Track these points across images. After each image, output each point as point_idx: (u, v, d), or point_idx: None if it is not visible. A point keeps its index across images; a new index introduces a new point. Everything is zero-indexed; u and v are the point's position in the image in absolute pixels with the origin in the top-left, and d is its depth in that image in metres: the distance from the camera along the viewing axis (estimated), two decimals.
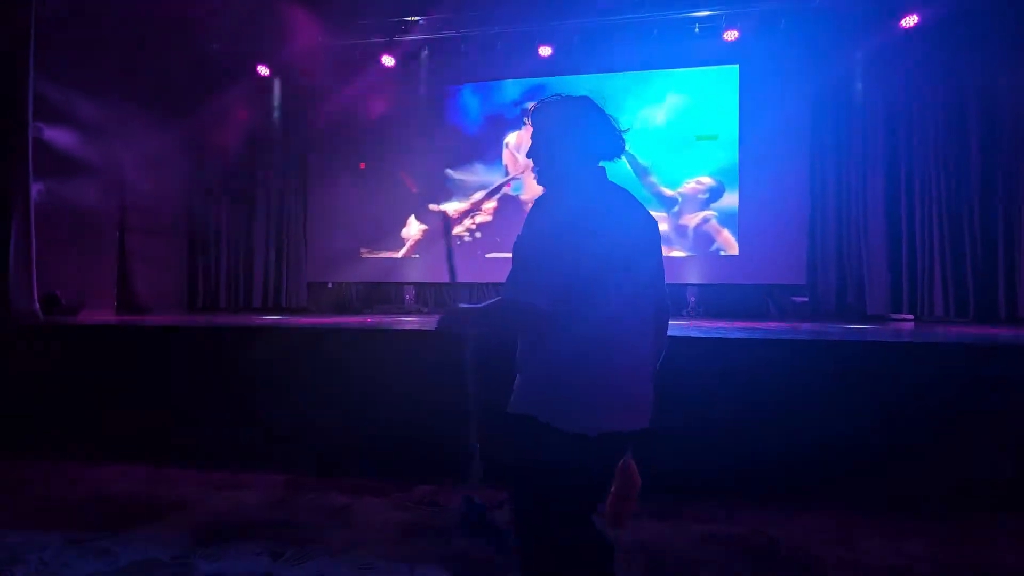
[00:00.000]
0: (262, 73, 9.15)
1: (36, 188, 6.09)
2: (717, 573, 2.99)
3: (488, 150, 9.15)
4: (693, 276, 8.37)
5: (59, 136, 7.22)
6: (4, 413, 4.78)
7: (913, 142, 7.77)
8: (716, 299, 8.25)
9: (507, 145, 9.05)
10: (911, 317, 7.64)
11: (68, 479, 4.23)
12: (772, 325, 6.43)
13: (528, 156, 1.90)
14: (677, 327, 5.92)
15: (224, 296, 9.61)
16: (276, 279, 9.63)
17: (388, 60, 8.92)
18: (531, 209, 1.74)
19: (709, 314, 8.02)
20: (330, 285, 9.56)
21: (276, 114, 9.55)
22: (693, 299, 8.23)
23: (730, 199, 8.33)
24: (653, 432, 1.73)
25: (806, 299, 8.06)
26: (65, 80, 7.17)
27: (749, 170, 8.27)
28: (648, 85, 8.60)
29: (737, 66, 8.42)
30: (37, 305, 5.97)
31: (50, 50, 6.48)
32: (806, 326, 6.39)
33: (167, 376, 4.73)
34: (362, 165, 9.35)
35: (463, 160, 9.17)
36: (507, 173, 9.00)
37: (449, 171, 9.16)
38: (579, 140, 1.81)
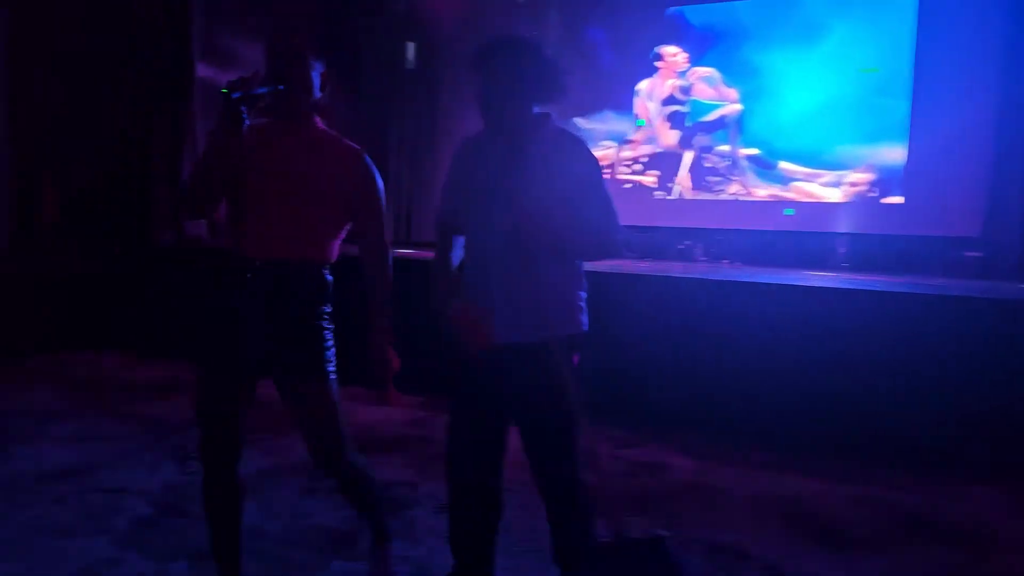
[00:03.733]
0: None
1: None
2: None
3: (620, 95, 8.42)
4: (843, 225, 7.64)
5: None
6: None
7: None
8: (874, 251, 7.44)
9: (638, 92, 8.49)
10: None
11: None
12: (939, 281, 5.81)
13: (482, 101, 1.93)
14: (827, 279, 5.51)
15: None
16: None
17: None
18: None
19: (867, 267, 7.23)
20: None
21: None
22: (843, 250, 7.50)
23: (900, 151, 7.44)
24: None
25: (980, 254, 7.14)
26: None
27: (923, 106, 7.30)
28: (804, 9, 7.74)
29: None
30: None
31: None
32: (978, 284, 5.74)
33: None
34: None
35: (592, 107, 8.62)
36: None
37: (577, 119, 8.66)
38: (529, 84, 1.89)
